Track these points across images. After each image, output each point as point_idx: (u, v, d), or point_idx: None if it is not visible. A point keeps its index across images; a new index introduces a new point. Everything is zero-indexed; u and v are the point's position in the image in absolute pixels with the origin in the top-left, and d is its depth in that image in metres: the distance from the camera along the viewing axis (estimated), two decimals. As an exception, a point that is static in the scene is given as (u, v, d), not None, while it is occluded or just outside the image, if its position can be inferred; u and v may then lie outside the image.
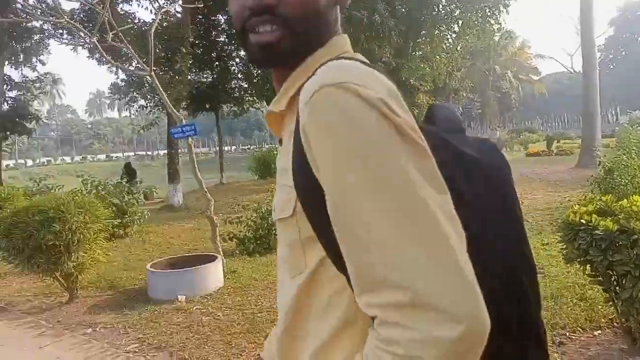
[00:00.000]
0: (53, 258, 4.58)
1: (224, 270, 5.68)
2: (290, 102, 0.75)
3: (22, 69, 17.46)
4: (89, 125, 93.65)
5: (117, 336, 4.09)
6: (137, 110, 18.05)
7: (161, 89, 5.70)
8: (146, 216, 9.64)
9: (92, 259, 5.04)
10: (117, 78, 15.92)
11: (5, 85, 15.22)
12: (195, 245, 8.11)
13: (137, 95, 15.19)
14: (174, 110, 5.72)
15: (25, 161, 63.32)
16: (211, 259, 5.46)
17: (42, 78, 18.97)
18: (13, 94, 15.74)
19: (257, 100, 22.43)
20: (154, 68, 12.44)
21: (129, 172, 15.70)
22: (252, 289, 5.16)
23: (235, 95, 20.23)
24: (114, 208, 8.86)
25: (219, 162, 20.20)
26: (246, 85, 20.25)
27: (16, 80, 15.96)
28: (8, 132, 14.69)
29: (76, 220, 4.62)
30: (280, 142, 0.80)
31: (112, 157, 75.59)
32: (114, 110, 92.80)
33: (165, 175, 14.48)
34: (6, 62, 15.58)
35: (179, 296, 4.81)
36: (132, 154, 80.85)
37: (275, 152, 20.31)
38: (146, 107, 14.32)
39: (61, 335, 4.00)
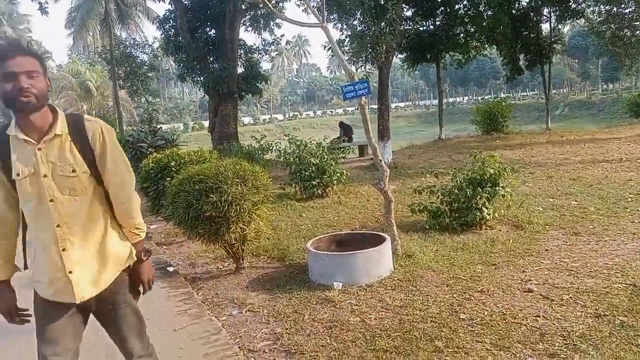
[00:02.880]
0: (213, 229, 4.41)
1: (397, 253, 4.80)
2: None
3: (261, 33, 18.96)
4: (330, 82, 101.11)
5: (257, 325, 3.67)
6: (361, 66, 18.04)
7: (334, 41, 4.95)
8: (346, 176, 9.30)
9: (255, 230, 4.75)
10: (342, 34, 15.99)
11: (241, 50, 16.76)
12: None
13: (357, 49, 14.96)
14: (346, 65, 4.92)
15: (273, 117, 72.22)
16: (381, 240, 4.64)
17: (278, 40, 20.29)
18: (249, 57, 17.26)
19: (485, 46, 20.09)
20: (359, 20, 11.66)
21: (344, 128, 15.80)
22: (423, 284, 4.17)
23: (459, 42, 18.34)
24: (313, 168, 8.79)
25: (438, 116, 18.88)
26: (473, 30, 18.15)
27: (249, 44, 17.49)
28: (243, 92, 16.26)
29: (233, 192, 4.31)
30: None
31: (349, 110, 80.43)
32: (351, 66, 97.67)
33: (393, 129, 14.08)
34: (243, 28, 17.12)
35: (334, 283, 4.16)
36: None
37: (504, 103, 17.91)
38: (356, 62, 13.92)
39: (201, 317, 3.78)
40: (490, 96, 71.97)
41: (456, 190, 6.12)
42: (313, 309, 3.82)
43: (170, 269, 5.08)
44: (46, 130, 1.88)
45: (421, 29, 17.29)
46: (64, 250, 1.88)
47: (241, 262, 4.91)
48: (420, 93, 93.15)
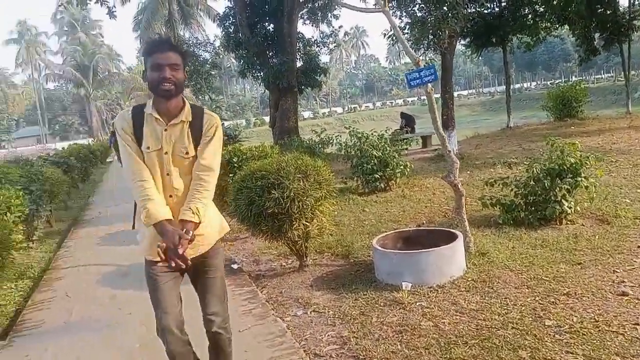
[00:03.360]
0: (276, 226, 4.31)
1: (469, 251, 4.50)
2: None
3: (319, 25, 18.81)
4: (389, 72, 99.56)
5: (322, 327, 3.52)
6: (422, 54, 17.50)
7: (396, 26, 4.68)
8: (409, 168, 8.97)
9: (318, 227, 4.60)
10: (401, 22, 15.54)
11: (299, 43, 16.69)
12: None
13: (416, 36, 14.49)
14: (410, 50, 4.64)
15: (333, 110, 72.02)
16: (453, 237, 4.36)
17: (336, 32, 20.06)
18: (307, 50, 17.16)
19: (556, 26, 18.81)
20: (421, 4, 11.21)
21: (407, 118, 15.37)
22: (501, 286, 3.85)
23: (527, 23, 17.27)
24: (375, 161, 8.55)
25: (506, 103, 17.94)
26: (542, 9, 17.03)
27: (308, 37, 17.38)
28: (302, 86, 16.20)
29: (295, 188, 4.19)
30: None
31: (409, 101, 78.84)
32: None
33: (457, 119, 13.51)
34: (301, 21, 17.02)
35: (403, 283, 3.93)
36: (424, 98, 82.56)
37: (578, 87, 16.67)
38: (418, 49, 13.43)
39: (265, 318, 3.69)
40: (560, 80, 67.87)
41: (532, 182, 5.68)
42: (381, 311, 3.62)
43: (235, 266, 5.05)
44: (174, 115, 2.27)
45: (485, 11, 16.43)
46: (173, 217, 2.26)
47: (305, 259, 4.79)
48: (483, 80, 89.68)
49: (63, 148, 25.43)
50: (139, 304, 4.20)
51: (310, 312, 3.80)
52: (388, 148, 8.83)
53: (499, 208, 5.82)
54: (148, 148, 2.24)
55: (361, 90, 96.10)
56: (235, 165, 5.90)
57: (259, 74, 16.26)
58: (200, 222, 2.24)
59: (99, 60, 55.15)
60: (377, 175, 8.50)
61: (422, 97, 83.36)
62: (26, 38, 65.06)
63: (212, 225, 2.40)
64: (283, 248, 5.16)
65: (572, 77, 67.44)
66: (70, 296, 4.56)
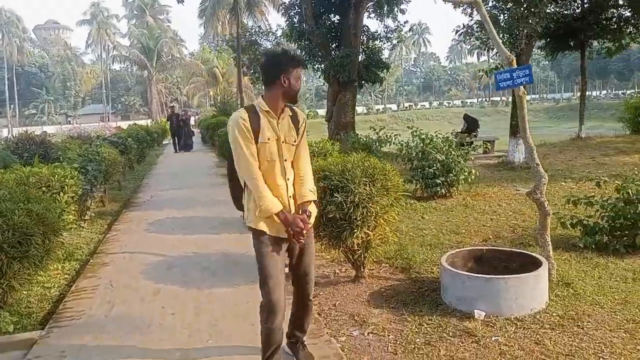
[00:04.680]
0: (335, 232, 3.92)
1: (550, 279, 3.93)
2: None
3: (384, 19, 18.22)
4: (449, 72, 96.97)
5: (382, 354, 3.10)
6: (494, 55, 16.57)
7: (487, 19, 4.15)
8: (474, 175, 8.36)
9: (381, 236, 4.17)
10: (471, 20, 14.77)
11: (363, 36, 16.17)
12: (526, 221, 6.38)
13: (487, 35, 13.71)
14: (502, 47, 4.10)
15: (387, 107, 70.83)
16: (533, 262, 3.82)
17: (401, 27, 19.39)
18: (370, 44, 16.63)
19: (640, 33, 17.32)
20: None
21: (469, 121, 14.58)
22: (592, 326, 3.29)
23: (611, 27, 15.95)
24: (437, 165, 8.00)
25: (579, 111, 16.70)
26: (629, 14, 15.68)
27: (372, 31, 16.82)
28: (363, 81, 15.71)
29: (360, 192, 3.78)
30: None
31: (467, 102, 76.40)
32: (473, 56, 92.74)
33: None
34: (366, 14, 16.49)
35: (475, 312, 3.44)
36: (485, 99, 79.71)
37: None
38: (492, 48, 12.62)
39: (319, 337, 3.30)
40: (633, 91, 63.68)
41: (622, 204, 5.01)
42: (450, 343, 3.15)
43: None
44: (281, 111, 2.67)
45: (566, 12, 15.28)
46: (290, 197, 2.68)
47: (361, 269, 4.38)
48: (549, 85, 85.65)
49: (120, 127, 26.20)
50: (183, 304, 3.94)
51: (368, 334, 3.39)
52: (453, 152, 8.25)
53: (580, 230, 5.19)
54: (268, 139, 2.58)
55: (418, 88, 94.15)
56: (293, 160, 5.55)
57: (319, 66, 15.89)
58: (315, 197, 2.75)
59: (163, 44, 56.64)
60: (438, 181, 7.97)
61: (482, 100, 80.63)
62: (98, 19, 67.78)
63: (313, 204, 2.76)
64: (337, 254, 4.76)
65: (647, 88, 63.13)
66: (114, 286, 4.35)
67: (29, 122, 65.28)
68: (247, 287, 4.11)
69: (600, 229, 5.06)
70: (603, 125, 25.78)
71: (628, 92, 65.42)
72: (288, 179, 2.66)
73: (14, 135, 20.35)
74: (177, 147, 20.02)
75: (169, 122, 21.32)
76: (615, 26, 15.73)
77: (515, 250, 4.20)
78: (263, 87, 2.75)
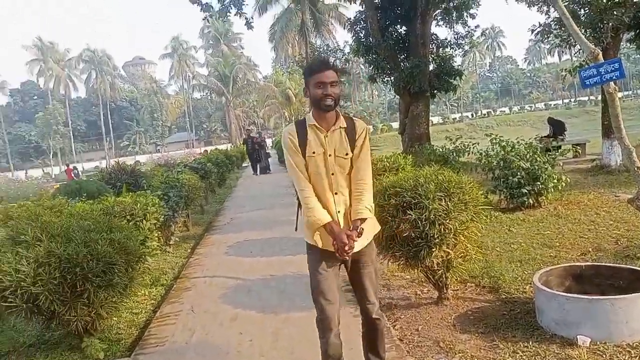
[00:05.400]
0: (412, 251, 3.70)
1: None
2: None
3: (453, 26, 17.70)
4: (528, 74, 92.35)
5: (472, 387, 2.83)
6: (580, 53, 15.43)
7: (566, 13, 3.80)
8: (565, 182, 7.71)
9: (463, 254, 3.89)
10: (548, 17, 13.92)
11: (432, 45, 15.75)
12: (630, 230, 5.72)
13: (567, 32, 12.81)
14: (585, 41, 3.72)
15: (463, 115, 68.51)
16: (643, 278, 3.36)
17: (472, 32, 18.74)
18: (440, 52, 16.16)
19: None
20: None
21: (555, 124, 13.63)
22: None
23: None
24: (522, 173, 7.47)
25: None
26: None
27: (441, 38, 16.32)
28: (435, 90, 15.24)
29: (435, 208, 3.54)
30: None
31: (551, 104, 72.11)
32: (553, 56, 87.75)
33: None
34: (434, 22, 16.08)
35: (579, 338, 3.06)
36: (571, 100, 74.79)
37: None
38: (574, 45, 11.74)
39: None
40: None
41: None
42: (550, 375, 2.81)
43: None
44: (332, 123, 2.60)
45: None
46: (338, 212, 2.59)
47: (444, 291, 4.10)
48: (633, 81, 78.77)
49: (206, 151, 27.43)
50: (260, 329, 3.89)
51: (455, 363, 3.12)
52: (538, 159, 7.67)
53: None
54: (313, 153, 2.55)
55: (496, 93, 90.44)
56: (366, 177, 5.39)
57: (389, 79, 15.65)
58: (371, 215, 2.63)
59: (238, 70, 59.12)
60: (524, 190, 7.43)
61: (568, 101, 75.68)
62: (179, 52, 72.23)
63: (367, 225, 2.61)
64: (417, 274, 4.51)
65: None
66: (195, 312, 4.41)
67: (123, 152, 70.72)
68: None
69: None
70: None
71: None
72: (336, 194, 2.58)
73: (109, 165, 21.99)
74: (256, 170, 20.44)
75: (245, 146, 21.95)
76: None
77: (620, 265, 3.73)
78: None
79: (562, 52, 73.67)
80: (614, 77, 3.54)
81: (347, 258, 2.52)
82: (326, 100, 2.49)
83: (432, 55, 15.49)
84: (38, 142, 68.31)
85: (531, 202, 7.48)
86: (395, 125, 48.72)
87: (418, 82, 13.98)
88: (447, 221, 3.57)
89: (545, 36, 12.13)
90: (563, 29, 12.03)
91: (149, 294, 5.15)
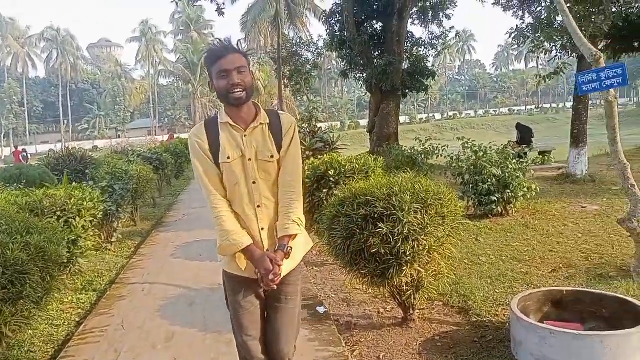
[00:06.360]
0: (380, 269, 3.25)
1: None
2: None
3: (429, 25, 17.48)
4: (495, 79, 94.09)
5: None
6: (545, 61, 15.50)
7: (565, 7, 3.41)
8: (534, 192, 7.48)
9: (434, 273, 3.47)
10: (522, 23, 13.87)
11: (407, 43, 15.47)
12: (600, 245, 5.49)
13: (541, 38, 12.77)
14: (585, 43, 3.35)
15: (430, 116, 69.23)
16: (630, 309, 3.02)
17: (447, 33, 18.59)
18: (414, 51, 15.90)
19: None
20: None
21: (522, 131, 13.54)
22: None
23: (680, 25, 14.55)
24: (493, 180, 7.18)
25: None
26: (700, 10, 14.25)
27: (416, 37, 16.10)
28: (407, 90, 14.97)
29: (410, 222, 3.09)
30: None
31: (514, 110, 73.54)
32: (520, 63, 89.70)
33: (567, 132, 11.64)
34: (409, 21, 15.81)
35: (561, 378, 2.68)
36: (534, 107, 76.61)
37: None
38: (550, 51, 11.62)
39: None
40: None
41: None
42: None
43: (321, 309, 4.05)
44: (251, 120, 2.12)
45: (630, 10, 14.02)
46: (262, 229, 2.11)
47: (411, 311, 3.68)
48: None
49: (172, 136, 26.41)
50: (199, 354, 3.35)
51: (422, 404, 2.69)
52: (510, 166, 7.39)
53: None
54: (228, 158, 2.08)
55: (463, 96, 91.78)
56: (332, 179, 4.91)
57: (361, 75, 15.30)
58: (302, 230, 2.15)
59: (206, 58, 57.51)
60: (494, 197, 7.14)
61: (530, 107, 77.48)
62: (147, 37, 69.86)
63: (300, 235, 2.18)
64: (385, 297, 4.08)
65: None
66: (125, 329, 3.82)
67: (82, 136, 67.96)
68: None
69: None
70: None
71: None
72: (259, 207, 2.10)
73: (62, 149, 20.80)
74: None
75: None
76: (686, 24, 14.34)
77: (605, 292, 3.39)
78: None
79: (530, 59, 75.40)
80: (616, 85, 3.17)
81: (274, 287, 2.06)
82: (234, 91, 2.02)
83: (407, 54, 15.21)
84: (-11, 121, 64.89)
85: (499, 210, 7.22)
86: (363, 122, 48.58)
87: (391, 80, 13.65)
88: (422, 237, 3.13)
89: (522, 40, 11.98)
90: (537, 34, 11.92)
91: (77, 301, 4.52)
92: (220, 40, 2.10)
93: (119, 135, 66.30)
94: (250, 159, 2.08)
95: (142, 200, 8.38)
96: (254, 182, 2.09)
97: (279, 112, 2.23)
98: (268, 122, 2.14)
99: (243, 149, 2.08)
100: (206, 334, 3.57)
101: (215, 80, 2.05)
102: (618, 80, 3.15)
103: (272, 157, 2.11)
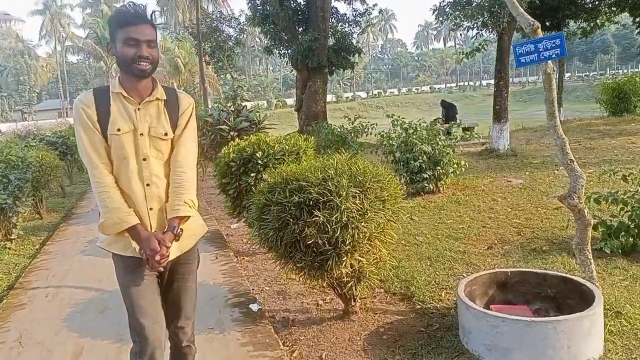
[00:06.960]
0: (317, 260, 2.93)
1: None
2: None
3: (352, 2, 17.24)
4: (416, 58, 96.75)
5: None
6: (462, 40, 15.84)
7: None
8: (464, 168, 7.55)
9: (376, 261, 3.22)
10: (444, 1, 14.00)
11: (332, 19, 15.16)
12: (530, 219, 5.56)
13: (461, 17, 12.95)
14: (522, 12, 3.17)
15: (356, 94, 70.10)
16: (575, 288, 2.94)
17: (370, 10, 18.46)
18: (339, 27, 15.64)
19: (617, 12, 16.92)
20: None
21: (447, 107, 13.80)
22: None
23: (587, 6, 15.42)
24: (424, 157, 7.12)
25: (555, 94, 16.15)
26: (604, -8, 15.15)
27: (341, 13, 15.84)
28: (333, 67, 14.70)
29: (348, 208, 2.79)
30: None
31: (435, 88, 76.14)
32: (439, 42, 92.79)
33: (485, 109, 11.99)
34: (334, -5, 15.50)
35: (514, 367, 2.53)
36: (454, 85, 79.80)
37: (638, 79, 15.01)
38: (472, 28, 11.76)
39: None
40: (596, 73, 64.73)
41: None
42: None
43: (255, 307, 3.68)
44: (147, 94, 2.02)
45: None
46: (151, 209, 2.00)
47: (352, 303, 3.42)
48: (514, 69, 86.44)
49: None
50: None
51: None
52: (440, 142, 7.37)
53: (602, 231, 4.39)
54: (118, 130, 1.95)
55: (386, 75, 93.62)
56: (260, 162, 4.50)
57: (286, 51, 14.81)
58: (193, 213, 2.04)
59: (120, 34, 53.91)
60: (425, 175, 7.11)
61: (450, 85, 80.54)
62: (51, 10, 64.34)
63: (190, 225, 2.07)
64: (325, 289, 3.78)
65: (608, 70, 64.21)
66: (23, 346, 3.23)
67: (-20, 120, 61.71)
68: (204, 342, 3.09)
69: (627, 230, 4.29)
70: (569, 107, 25.59)
71: (591, 74, 66.44)
72: (148, 185, 1.98)
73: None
74: None
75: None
76: (591, 5, 15.23)
77: (548, 272, 3.30)
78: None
79: (448, 39, 78.03)
80: (554, 56, 3.04)
81: (161, 269, 1.96)
82: (141, 63, 1.92)
83: (332, 30, 14.90)
84: None
85: (431, 187, 7.21)
86: (290, 101, 48.02)
87: (317, 56, 13.31)
88: (362, 224, 2.84)
89: (444, 17, 12.05)
90: (457, 12, 12.03)
91: (-35, 314, 3.83)
92: (134, 4, 1.95)
93: (25, 117, 60.89)
94: (142, 134, 1.97)
95: (48, 190, 7.48)
96: (144, 159, 1.98)
97: (177, 90, 2.15)
98: (165, 98, 2.04)
99: (135, 122, 1.97)
100: (121, 346, 3.06)
101: (120, 45, 1.92)
102: (556, 52, 3.02)
103: (165, 134, 2.02)
